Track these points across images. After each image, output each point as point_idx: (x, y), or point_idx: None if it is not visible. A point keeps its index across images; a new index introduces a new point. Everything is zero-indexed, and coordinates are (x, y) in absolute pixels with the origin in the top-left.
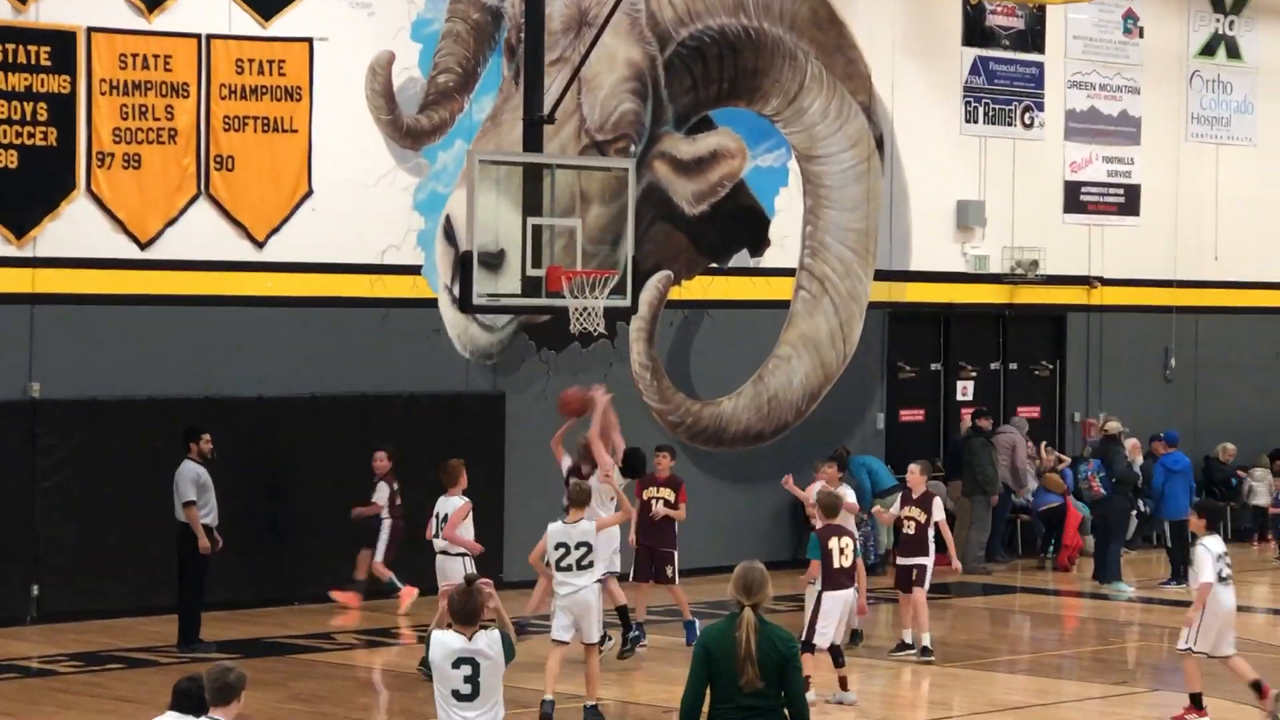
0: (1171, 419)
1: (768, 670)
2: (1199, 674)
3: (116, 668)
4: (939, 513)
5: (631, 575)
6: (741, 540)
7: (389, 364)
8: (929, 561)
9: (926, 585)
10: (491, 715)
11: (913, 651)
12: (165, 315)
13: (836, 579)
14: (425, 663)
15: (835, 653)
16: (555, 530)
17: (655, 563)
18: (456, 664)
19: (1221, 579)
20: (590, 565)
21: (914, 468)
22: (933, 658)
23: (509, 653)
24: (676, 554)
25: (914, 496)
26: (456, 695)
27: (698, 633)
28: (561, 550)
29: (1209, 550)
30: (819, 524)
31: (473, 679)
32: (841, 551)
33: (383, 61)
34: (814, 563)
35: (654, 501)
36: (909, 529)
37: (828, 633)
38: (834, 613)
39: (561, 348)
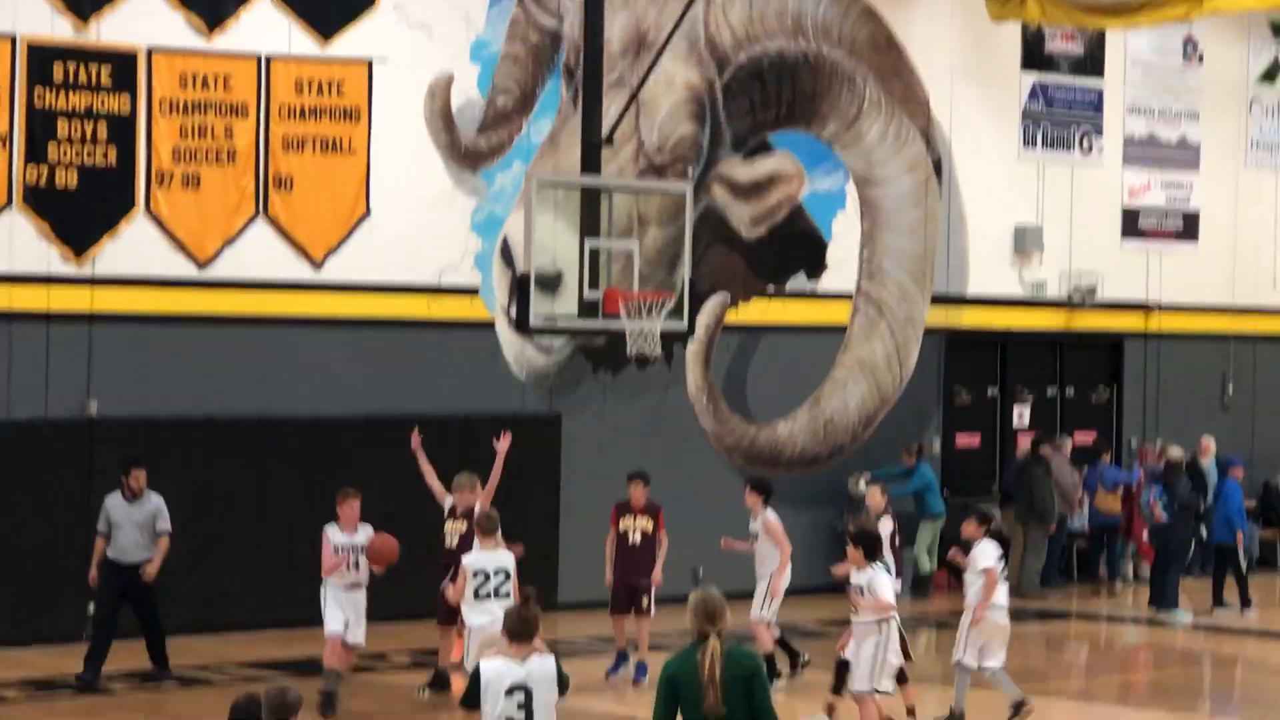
0: (1228, 446)
1: (733, 692)
2: None
3: (172, 686)
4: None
5: (610, 608)
6: (799, 563)
7: (446, 385)
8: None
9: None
10: None
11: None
12: (223, 335)
13: None
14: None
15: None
16: (472, 559)
17: (632, 595)
18: (510, 691)
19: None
20: (509, 595)
21: (874, 489)
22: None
23: (563, 687)
24: (655, 587)
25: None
26: None
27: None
28: (480, 578)
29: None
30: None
31: (526, 706)
32: None
33: (441, 83)
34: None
35: (630, 532)
36: None
37: None
38: None
39: (618, 370)
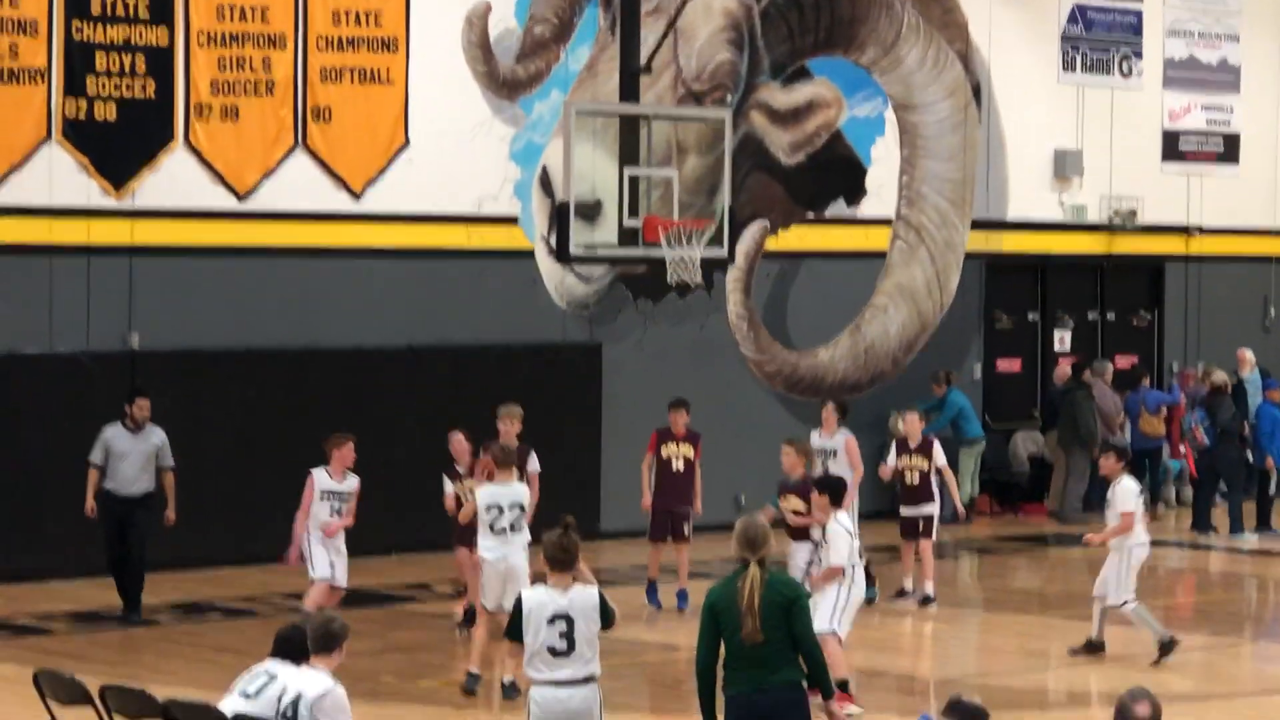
0: (1270, 369)
1: (773, 619)
2: None
3: (216, 617)
4: (940, 458)
5: (649, 535)
6: None
7: (485, 315)
8: (935, 510)
9: (934, 535)
10: (588, 670)
11: (911, 598)
12: (263, 267)
13: None
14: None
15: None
16: (486, 492)
17: (673, 522)
18: (552, 620)
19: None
20: (522, 529)
21: (911, 416)
22: (934, 605)
23: (608, 620)
24: (693, 512)
25: (912, 445)
26: (552, 651)
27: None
28: (494, 512)
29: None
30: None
31: (568, 635)
32: None
33: (479, 12)
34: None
35: (673, 459)
36: (912, 479)
37: None
38: None
39: (658, 298)
